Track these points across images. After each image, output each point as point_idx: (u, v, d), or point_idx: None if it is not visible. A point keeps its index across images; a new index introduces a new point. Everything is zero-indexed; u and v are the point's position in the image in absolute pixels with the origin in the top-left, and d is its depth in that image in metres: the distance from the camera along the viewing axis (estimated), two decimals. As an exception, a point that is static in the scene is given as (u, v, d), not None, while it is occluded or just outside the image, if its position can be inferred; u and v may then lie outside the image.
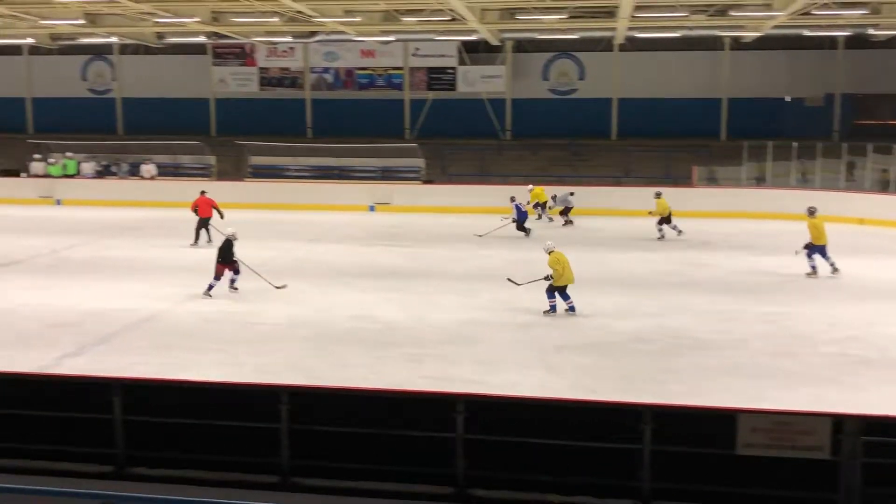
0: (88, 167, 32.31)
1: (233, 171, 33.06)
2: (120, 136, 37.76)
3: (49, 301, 15.78)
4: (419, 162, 31.56)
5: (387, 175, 31.47)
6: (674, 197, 26.99)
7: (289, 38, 33.24)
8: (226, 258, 16.20)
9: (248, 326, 14.21)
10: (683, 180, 29.66)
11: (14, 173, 32.96)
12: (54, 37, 33.41)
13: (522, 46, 36.01)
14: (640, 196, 26.76)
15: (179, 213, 27.91)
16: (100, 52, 38.39)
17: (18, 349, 12.71)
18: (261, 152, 32.76)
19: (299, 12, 25.40)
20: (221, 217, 21.54)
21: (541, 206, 26.64)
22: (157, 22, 28.02)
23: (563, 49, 35.84)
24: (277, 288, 16.41)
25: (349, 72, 37.46)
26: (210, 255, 16.67)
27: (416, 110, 37.22)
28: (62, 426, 8.96)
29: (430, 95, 36.89)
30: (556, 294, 14.83)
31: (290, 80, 37.72)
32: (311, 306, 15.59)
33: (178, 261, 19.82)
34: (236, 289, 16.40)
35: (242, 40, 34.42)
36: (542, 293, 15.15)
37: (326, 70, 37.55)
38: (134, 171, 32.27)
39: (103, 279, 17.85)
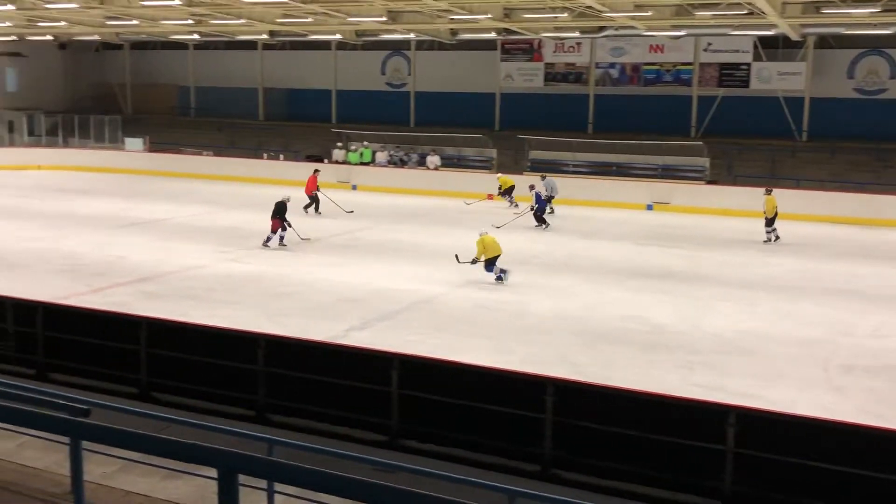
0: (382, 156, 34.53)
1: (512, 164, 33.79)
2: (411, 127, 39.96)
3: (341, 278, 17.09)
4: (703, 161, 30.38)
5: (667, 173, 30.59)
6: None
7: (576, 34, 33.32)
8: (280, 215, 19.95)
9: (518, 316, 14.49)
10: None
11: (318, 159, 36.03)
12: (359, 33, 36.00)
13: (826, 42, 33.43)
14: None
15: (457, 202, 29.10)
16: (398, 47, 40.85)
17: (312, 319, 13.89)
18: (541, 147, 33.19)
19: (589, 7, 25.37)
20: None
21: (508, 192, 27.99)
22: (452, 19, 29.25)
23: (874, 45, 32.80)
24: (302, 239, 20.00)
25: (635, 67, 36.84)
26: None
27: (704, 108, 35.81)
28: (345, 393, 9.67)
29: (721, 92, 35.33)
30: (490, 268, 16.77)
31: (574, 75, 37.83)
32: (581, 301, 15.58)
33: (456, 248, 20.57)
34: (285, 245, 19.94)
35: (531, 36, 35.00)
36: (835, 311, 14.01)
37: (612, 65, 37.20)
38: (422, 162, 34.01)
39: (389, 261, 19.01)
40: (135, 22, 32.72)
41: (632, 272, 18.29)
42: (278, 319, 13.68)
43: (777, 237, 22.24)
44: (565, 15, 27.09)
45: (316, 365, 10.01)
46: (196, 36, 39.11)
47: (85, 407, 5.25)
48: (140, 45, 45.88)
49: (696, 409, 8.40)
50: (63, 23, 34.43)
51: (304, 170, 34.09)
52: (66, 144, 40.25)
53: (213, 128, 41.75)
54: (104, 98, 46.87)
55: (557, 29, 32.12)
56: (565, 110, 37.45)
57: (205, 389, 10.26)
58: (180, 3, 26.63)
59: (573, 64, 37.75)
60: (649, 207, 28.54)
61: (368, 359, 9.99)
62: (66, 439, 3.45)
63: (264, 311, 14.28)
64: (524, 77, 38.47)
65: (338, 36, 36.43)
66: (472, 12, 27.30)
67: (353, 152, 34.41)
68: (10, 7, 28.18)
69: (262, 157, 36.34)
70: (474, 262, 16.90)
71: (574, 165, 32.36)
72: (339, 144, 35.54)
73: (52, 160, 36.34)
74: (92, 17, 32.11)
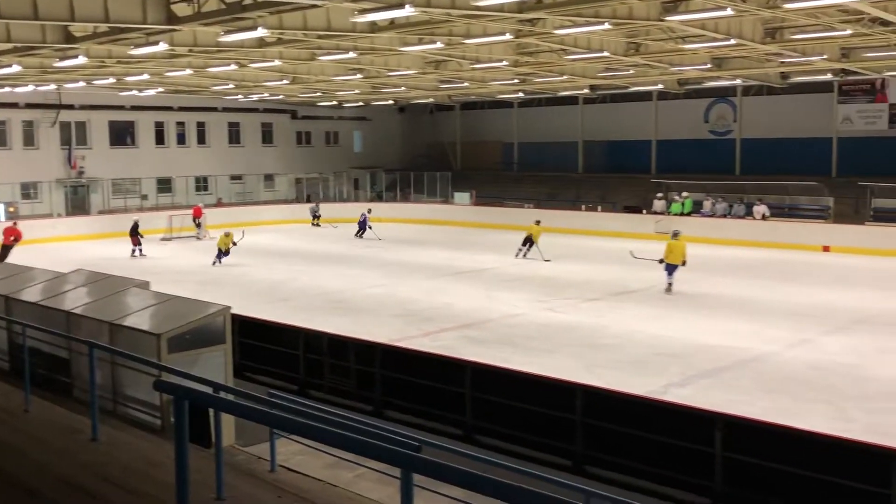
0: (706, 206, 33.45)
1: (852, 213, 31.11)
2: (737, 176, 38.34)
3: (660, 331, 16.64)
4: None
5: None
6: None
7: (928, 70, 30.19)
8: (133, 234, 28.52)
9: (858, 381, 13.16)
10: None
11: (636, 210, 35.76)
12: (682, 82, 35.41)
13: None
14: None
15: (787, 254, 27.28)
16: (722, 94, 39.55)
17: (630, 373, 13.65)
18: (885, 194, 30.26)
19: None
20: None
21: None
22: (783, 62, 27.80)
23: None
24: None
25: None
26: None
27: None
28: (663, 451, 9.34)
29: None
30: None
31: (926, 115, 34.17)
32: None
33: (786, 304, 19.31)
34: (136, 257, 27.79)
35: (872, 76, 32.28)
36: None
37: (972, 103, 33.12)
38: (748, 212, 32.45)
39: (711, 315, 18.23)
40: (465, 84, 34.93)
41: None
42: (595, 370, 13.60)
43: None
44: (914, 50, 24.63)
45: (634, 419, 9.79)
46: (520, 94, 40.84)
47: (416, 444, 5.55)
48: (469, 106, 48.85)
49: None
50: (402, 88, 37.66)
51: (623, 221, 34.14)
52: (402, 199, 43.75)
53: (534, 181, 43.14)
54: (436, 156, 50.41)
55: (904, 66, 29.30)
56: (914, 154, 33.86)
57: (523, 435, 10.44)
58: (507, 64, 27.97)
59: (925, 103, 34.16)
60: None
61: (689, 417, 9.58)
62: (396, 474, 3.66)
63: (581, 362, 14.29)
64: (865, 120, 35.47)
65: (659, 86, 36.13)
66: (805, 54, 25.73)
67: (675, 203, 33.70)
68: (358, 76, 31.34)
69: (580, 209, 36.79)
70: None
71: (926, 215, 29.08)
72: (660, 195, 35.01)
73: (389, 213, 39.59)
74: (428, 82, 34.80)
